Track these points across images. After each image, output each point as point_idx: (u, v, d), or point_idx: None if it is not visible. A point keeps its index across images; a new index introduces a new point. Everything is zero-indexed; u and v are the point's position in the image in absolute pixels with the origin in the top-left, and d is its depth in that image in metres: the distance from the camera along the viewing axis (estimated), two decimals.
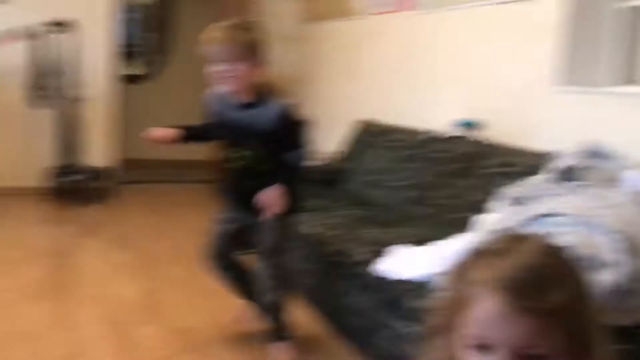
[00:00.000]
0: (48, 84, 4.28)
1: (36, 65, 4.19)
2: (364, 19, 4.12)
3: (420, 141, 3.10)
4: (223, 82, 1.99)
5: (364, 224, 2.62)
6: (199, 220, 4.19)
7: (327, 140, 4.69)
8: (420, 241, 2.22)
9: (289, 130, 2.02)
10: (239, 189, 2.14)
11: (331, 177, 3.60)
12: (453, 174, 2.73)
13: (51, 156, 4.45)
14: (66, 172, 4.32)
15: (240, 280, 2.23)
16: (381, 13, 3.91)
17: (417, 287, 1.89)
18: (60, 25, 4.17)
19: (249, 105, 2.01)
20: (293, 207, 2.11)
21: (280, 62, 5.56)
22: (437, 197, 2.75)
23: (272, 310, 2.14)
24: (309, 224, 2.61)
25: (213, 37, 1.95)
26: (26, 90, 4.23)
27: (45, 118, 4.43)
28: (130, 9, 6.75)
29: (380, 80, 3.94)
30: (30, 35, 4.10)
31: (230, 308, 2.61)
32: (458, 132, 2.93)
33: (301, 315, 2.60)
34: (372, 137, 3.48)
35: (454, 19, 3.25)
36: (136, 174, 5.79)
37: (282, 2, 5.57)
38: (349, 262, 2.23)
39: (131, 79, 6.41)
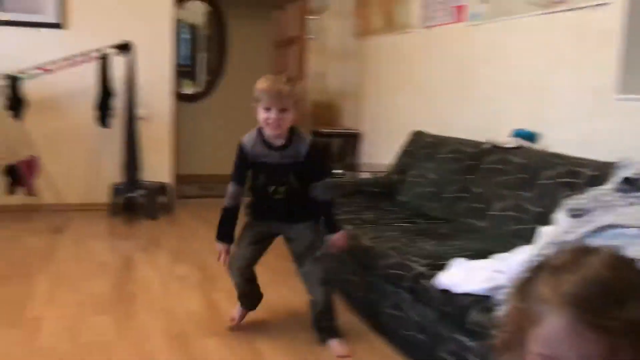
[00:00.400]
0: (113, 104, 4.46)
1: (102, 86, 4.38)
2: (417, 33, 4.12)
3: (479, 152, 3.06)
4: (270, 127, 2.28)
5: (422, 237, 2.60)
6: None
7: (382, 152, 4.70)
8: (480, 254, 2.19)
9: (317, 160, 2.43)
10: (273, 211, 2.42)
11: (386, 189, 3.60)
12: (514, 185, 2.68)
13: (116, 173, 4.63)
14: (130, 188, 4.48)
15: (254, 290, 2.58)
16: (435, 26, 3.91)
17: (480, 301, 1.87)
18: (123, 48, 4.35)
19: (283, 147, 2.34)
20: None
21: (335, 77, 5.65)
22: (497, 209, 2.71)
23: (327, 309, 2.41)
24: (365, 237, 2.61)
25: (272, 87, 2.25)
26: (94, 110, 4.42)
27: (111, 136, 4.63)
28: (183, 30, 6.98)
29: (435, 92, 3.93)
30: (96, 57, 4.29)
31: (292, 320, 2.65)
32: (517, 142, 2.89)
33: (355, 328, 2.61)
34: (427, 148, 3.47)
35: (510, 29, 3.22)
36: (190, 189, 5.95)
37: (335, 19, 5.64)
38: (408, 276, 2.22)
39: (185, 98, 6.61)
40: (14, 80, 4.03)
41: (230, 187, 2.42)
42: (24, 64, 4.21)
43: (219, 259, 2.43)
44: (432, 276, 2.11)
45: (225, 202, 2.43)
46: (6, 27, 4.45)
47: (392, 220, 2.97)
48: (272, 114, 2.24)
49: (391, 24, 4.49)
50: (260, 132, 2.35)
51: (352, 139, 5.21)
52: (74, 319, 2.59)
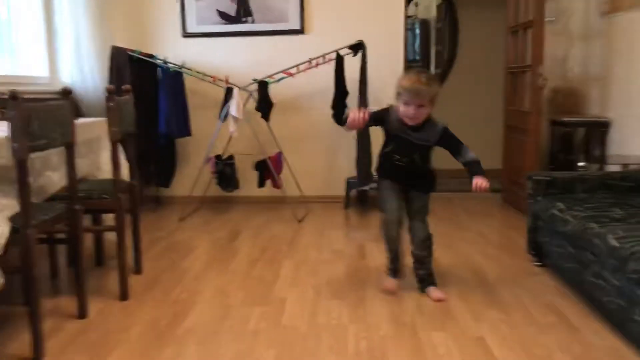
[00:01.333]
0: (347, 102, 4.69)
1: (338, 85, 4.63)
2: None
3: None
4: (408, 120, 2.67)
5: None
6: (480, 229, 4.13)
7: (635, 142, 4.17)
8: None
9: (452, 138, 2.77)
10: (395, 174, 2.83)
11: (639, 184, 3.18)
12: None
13: (351, 168, 4.88)
14: (362, 182, 4.68)
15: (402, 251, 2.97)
16: None
17: None
18: (356, 48, 4.55)
19: (417, 129, 2.72)
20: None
21: (577, 61, 5.18)
22: None
23: (424, 261, 2.89)
24: (612, 236, 2.34)
25: (412, 86, 2.60)
26: (331, 109, 4.70)
27: (346, 134, 4.88)
28: (415, 26, 7.04)
29: None
30: (332, 59, 4.56)
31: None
32: None
33: (599, 334, 2.36)
34: None
35: None
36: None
37: None
38: None
39: None
40: (262, 85, 4.49)
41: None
42: (271, 69, 4.66)
43: (361, 117, 2.61)
44: None
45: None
46: (256, 37, 4.99)
47: None
48: (411, 110, 2.62)
49: None
50: None
51: (598, 128, 4.72)
52: (312, 302, 2.80)
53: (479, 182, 2.62)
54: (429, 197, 2.89)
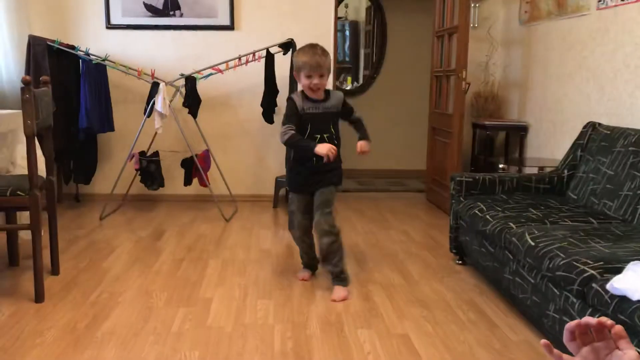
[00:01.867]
0: (276, 100, 4.67)
1: (267, 83, 4.61)
2: (592, 15, 3.77)
3: None
4: (313, 90, 2.82)
5: (593, 237, 2.37)
6: (405, 228, 4.23)
7: (550, 146, 4.39)
8: None
9: (348, 104, 3.00)
10: (314, 174, 2.89)
11: (554, 185, 3.35)
12: None
13: (280, 167, 4.87)
14: None
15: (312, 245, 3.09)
16: (612, 6, 3.55)
17: None
18: (286, 46, 4.54)
19: (324, 99, 2.89)
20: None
21: (498, 67, 5.39)
22: None
23: (328, 256, 2.89)
24: (529, 236, 2.45)
25: (312, 59, 2.76)
26: (260, 107, 4.67)
27: (275, 132, 4.87)
28: (345, 27, 7.12)
29: (611, 79, 3.57)
30: (262, 57, 4.53)
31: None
32: None
33: (515, 329, 2.46)
34: (603, 141, 3.16)
35: None
36: (348, 183, 6.05)
37: (499, 5, 5.38)
38: (576, 278, 2.04)
39: (344, 93, 6.72)
40: (190, 80, 4.40)
41: (288, 127, 2.80)
42: (199, 64, 4.57)
43: (330, 154, 2.73)
44: (605, 280, 1.92)
45: (290, 132, 2.78)
46: (184, 31, 4.88)
47: (560, 218, 2.75)
48: (315, 80, 2.78)
49: (562, 7, 4.16)
50: (303, 93, 2.87)
51: (517, 132, 4.93)
52: (239, 302, 2.76)
53: (363, 146, 2.93)
54: (334, 190, 2.93)
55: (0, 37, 4.13)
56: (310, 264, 3.14)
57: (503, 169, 4.15)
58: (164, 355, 2.21)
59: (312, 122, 2.85)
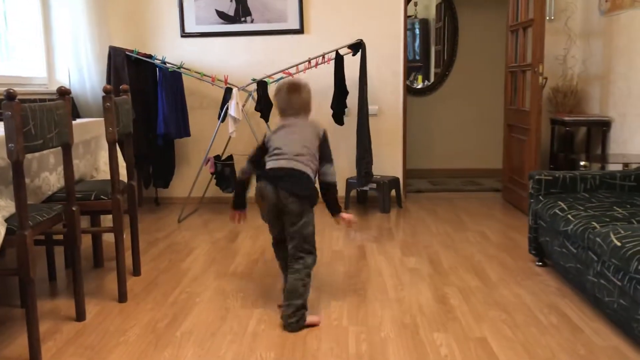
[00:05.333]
0: (347, 101, 4.67)
1: (338, 85, 4.61)
2: None
3: None
4: None
5: None
6: (481, 229, 4.11)
7: (636, 141, 4.15)
8: None
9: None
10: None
11: None
12: None
13: (351, 168, 4.86)
14: (363, 182, 4.65)
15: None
16: None
17: None
18: (356, 47, 4.53)
19: None
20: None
21: (577, 60, 5.16)
22: None
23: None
24: (616, 235, 2.32)
25: (283, 98, 2.63)
26: (331, 107, 4.67)
27: (346, 133, 4.87)
28: (415, 26, 7.03)
29: None
30: (332, 58, 4.54)
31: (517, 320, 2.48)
32: None
33: (601, 334, 2.34)
34: None
35: None
36: (418, 182, 5.97)
37: None
38: None
39: (415, 92, 6.65)
40: (262, 85, 4.47)
41: None
42: (270, 69, 4.64)
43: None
44: None
45: None
46: (255, 37, 4.96)
47: None
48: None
49: None
50: None
51: (599, 127, 4.70)
52: (313, 302, 2.76)
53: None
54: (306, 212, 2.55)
55: (83, 50, 4.35)
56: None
57: (585, 166, 3.96)
58: (240, 355, 2.25)
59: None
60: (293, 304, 2.47)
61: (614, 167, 4.04)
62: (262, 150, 2.67)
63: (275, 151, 2.59)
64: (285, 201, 2.49)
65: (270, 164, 2.58)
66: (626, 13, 4.26)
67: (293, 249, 2.55)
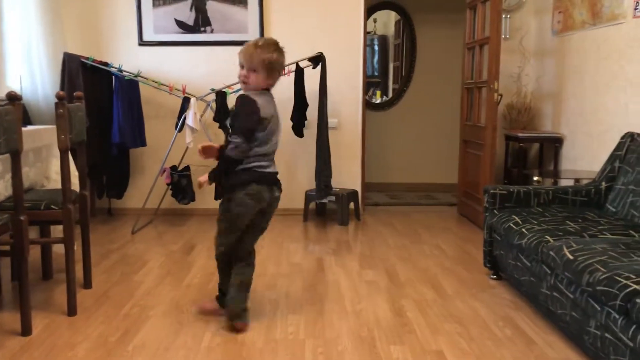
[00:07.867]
0: (306, 114, 4.67)
1: (297, 97, 4.61)
2: (629, 23, 3.68)
3: None
4: (240, 83, 2.57)
5: (636, 250, 2.28)
6: (437, 243, 4.16)
7: (586, 158, 4.28)
8: None
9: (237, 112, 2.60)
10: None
11: (592, 198, 3.25)
12: None
13: (310, 180, 4.85)
14: (321, 195, 4.65)
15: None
16: None
17: None
18: (316, 60, 4.54)
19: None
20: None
21: (531, 78, 5.30)
22: None
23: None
24: (569, 249, 2.37)
25: (246, 50, 2.52)
26: (291, 119, 4.66)
27: (305, 146, 4.86)
28: (374, 42, 7.11)
29: None
30: (291, 71, 4.54)
31: (479, 336, 2.51)
32: None
33: (555, 347, 2.38)
34: None
35: None
36: (376, 196, 6.01)
37: (531, 16, 5.31)
38: (619, 293, 1.96)
39: (374, 107, 6.71)
40: (221, 95, 4.42)
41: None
42: (229, 79, 4.59)
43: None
44: None
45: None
46: (214, 47, 4.92)
47: (599, 231, 2.66)
48: (243, 71, 2.53)
49: (597, 16, 4.07)
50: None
51: (551, 144, 4.83)
52: (269, 316, 2.73)
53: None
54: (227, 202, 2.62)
55: (36, 55, 4.23)
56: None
57: (537, 181, 4.06)
58: None
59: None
60: (248, 295, 2.62)
61: (565, 182, 4.15)
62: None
63: (267, 149, 2.61)
64: (275, 202, 2.63)
65: (265, 164, 2.62)
66: (577, 34, 4.41)
67: (252, 245, 2.68)
